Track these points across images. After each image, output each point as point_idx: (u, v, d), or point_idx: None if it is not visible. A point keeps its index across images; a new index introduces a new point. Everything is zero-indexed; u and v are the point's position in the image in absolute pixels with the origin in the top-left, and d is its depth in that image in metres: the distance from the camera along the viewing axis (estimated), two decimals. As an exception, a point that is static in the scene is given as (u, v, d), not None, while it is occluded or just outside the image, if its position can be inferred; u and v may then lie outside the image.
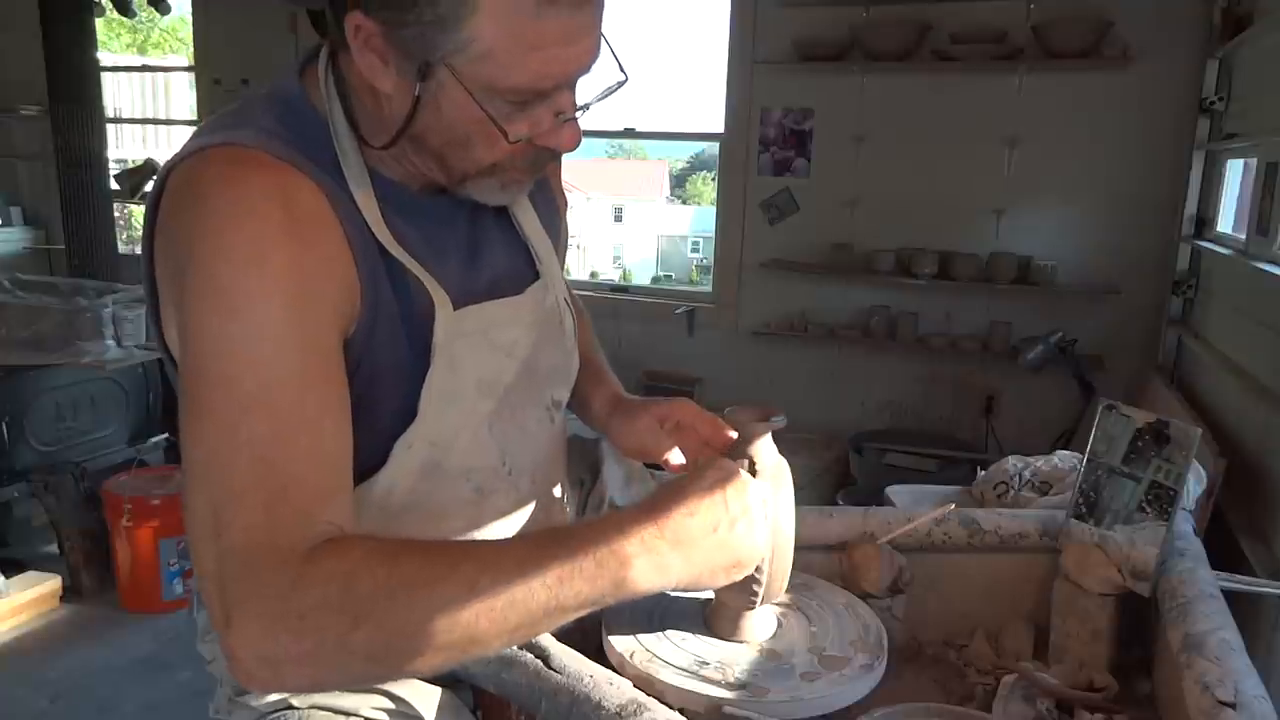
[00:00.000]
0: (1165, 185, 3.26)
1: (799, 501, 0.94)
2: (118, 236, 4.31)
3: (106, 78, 4.34)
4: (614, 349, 1.21)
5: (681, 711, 0.82)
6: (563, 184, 1.12)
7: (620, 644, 0.91)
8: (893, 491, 2.51)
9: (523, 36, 0.73)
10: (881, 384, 3.84)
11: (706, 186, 23.06)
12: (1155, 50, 3.20)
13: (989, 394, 3.65)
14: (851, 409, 3.87)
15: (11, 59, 4.96)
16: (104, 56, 5.23)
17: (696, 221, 21.56)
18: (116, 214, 4.47)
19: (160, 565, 2.84)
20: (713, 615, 0.95)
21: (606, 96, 0.85)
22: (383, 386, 0.84)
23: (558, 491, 1.07)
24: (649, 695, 0.81)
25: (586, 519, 0.76)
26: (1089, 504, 1.08)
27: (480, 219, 0.94)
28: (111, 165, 4.35)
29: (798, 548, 0.94)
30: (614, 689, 0.81)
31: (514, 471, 0.97)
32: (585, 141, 0.83)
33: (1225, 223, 3.04)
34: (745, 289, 4.03)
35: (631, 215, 23.03)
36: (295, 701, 0.87)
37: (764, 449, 0.93)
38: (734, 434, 0.94)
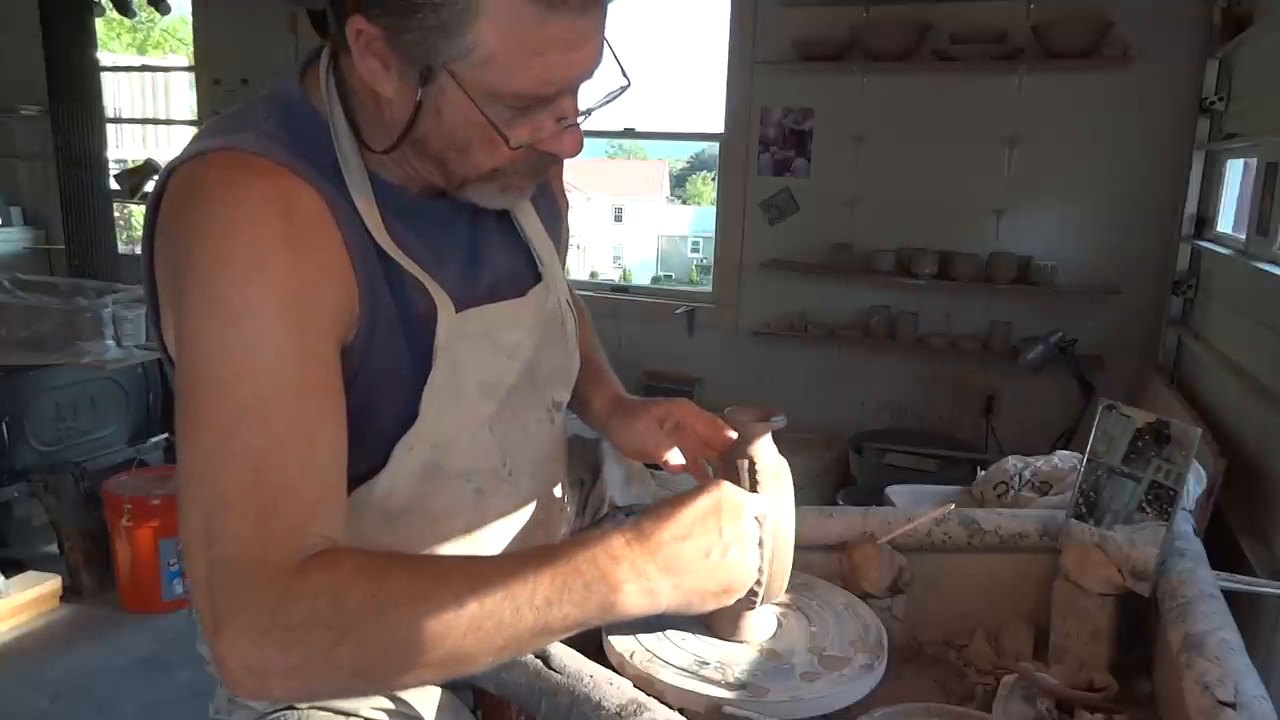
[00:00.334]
0: (1165, 185, 3.26)
1: (799, 501, 0.94)
2: (118, 236, 4.31)
3: (106, 78, 4.34)
4: (614, 349, 1.20)
5: (681, 711, 0.82)
6: (564, 185, 1.12)
7: (620, 644, 0.91)
8: (893, 491, 2.51)
9: (526, 42, 0.72)
10: (881, 384, 3.84)
11: (706, 186, 23.07)
12: (1155, 50, 3.20)
13: (989, 394, 3.65)
14: (851, 409, 3.87)
15: (11, 59, 4.96)
16: (104, 56, 5.24)
17: (696, 221, 21.57)
18: (116, 214, 4.47)
19: (160, 565, 2.84)
20: (713, 615, 0.95)
21: (609, 102, 0.84)
22: (383, 390, 0.84)
23: (558, 491, 1.07)
24: (649, 695, 0.81)
25: (578, 537, 0.75)
26: (1089, 504, 1.08)
27: (481, 222, 0.94)
28: (111, 165, 4.35)
29: (798, 548, 0.94)
30: (614, 689, 0.81)
31: (514, 472, 0.97)
32: (586, 141, 0.83)
33: (1225, 223, 3.04)
34: (745, 289, 4.03)
35: (631, 215, 23.03)
36: (296, 702, 0.86)
37: (764, 449, 0.93)
38: (734, 434, 0.94)
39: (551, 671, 0.83)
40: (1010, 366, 3.47)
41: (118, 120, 6.89)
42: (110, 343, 3.16)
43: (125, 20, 5.30)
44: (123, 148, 6.85)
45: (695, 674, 0.88)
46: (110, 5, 4.33)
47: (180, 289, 0.74)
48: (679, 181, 25.61)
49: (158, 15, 4.71)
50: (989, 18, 3.41)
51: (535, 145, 0.80)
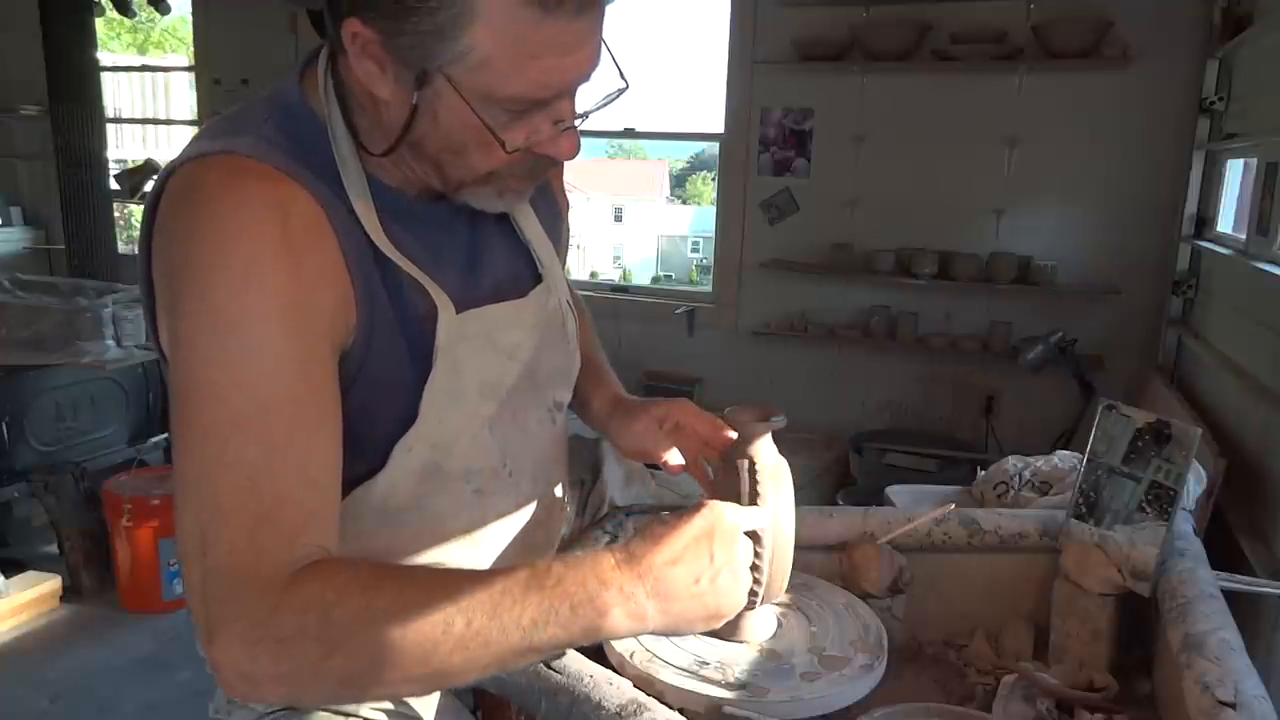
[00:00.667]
0: (1165, 185, 3.26)
1: (799, 501, 0.94)
2: (118, 236, 4.31)
3: (106, 78, 4.34)
4: (614, 349, 1.21)
5: (681, 711, 0.82)
6: (564, 185, 1.12)
7: (620, 644, 0.91)
8: (893, 491, 2.51)
9: (522, 46, 0.72)
10: (881, 384, 3.84)
11: (706, 186, 23.06)
12: (1155, 50, 3.20)
13: (989, 394, 3.65)
14: (851, 409, 3.87)
15: (11, 59, 4.96)
16: (104, 56, 5.23)
17: (696, 221, 21.56)
18: (116, 214, 4.47)
19: (160, 565, 2.84)
20: (713, 615, 0.95)
21: (607, 104, 0.84)
22: (382, 393, 0.84)
23: (559, 492, 1.07)
24: (649, 695, 0.81)
25: (569, 558, 0.75)
26: (1089, 504, 1.08)
27: (480, 224, 0.94)
28: (111, 165, 4.35)
29: (798, 548, 0.94)
30: (614, 689, 0.81)
31: (515, 473, 0.97)
32: (585, 141, 0.83)
33: (1225, 223, 3.04)
34: (745, 289, 4.03)
35: (631, 215, 23.02)
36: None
37: (764, 449, 0.93)
38: (734, 434, 0.94)
39: (551, 671, 0.83)
40: (1010, 366, 3.47)
41: (118, 120, 6.89)
42: (110, 343, 3.16)
43: (125, 20, 5.30)
44: (123, 148, 6.85)
45: (695, 674, 0.88)
46: (110, 5, 4.33)
47: (176, 290, 0.74)
48: (679, 181, 25.60)
49: (158, 15, 4.71)
50: (989, 18, 3.41)
51: (532, 148, 0.80)
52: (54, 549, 3.04)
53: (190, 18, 5.10)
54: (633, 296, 4.41)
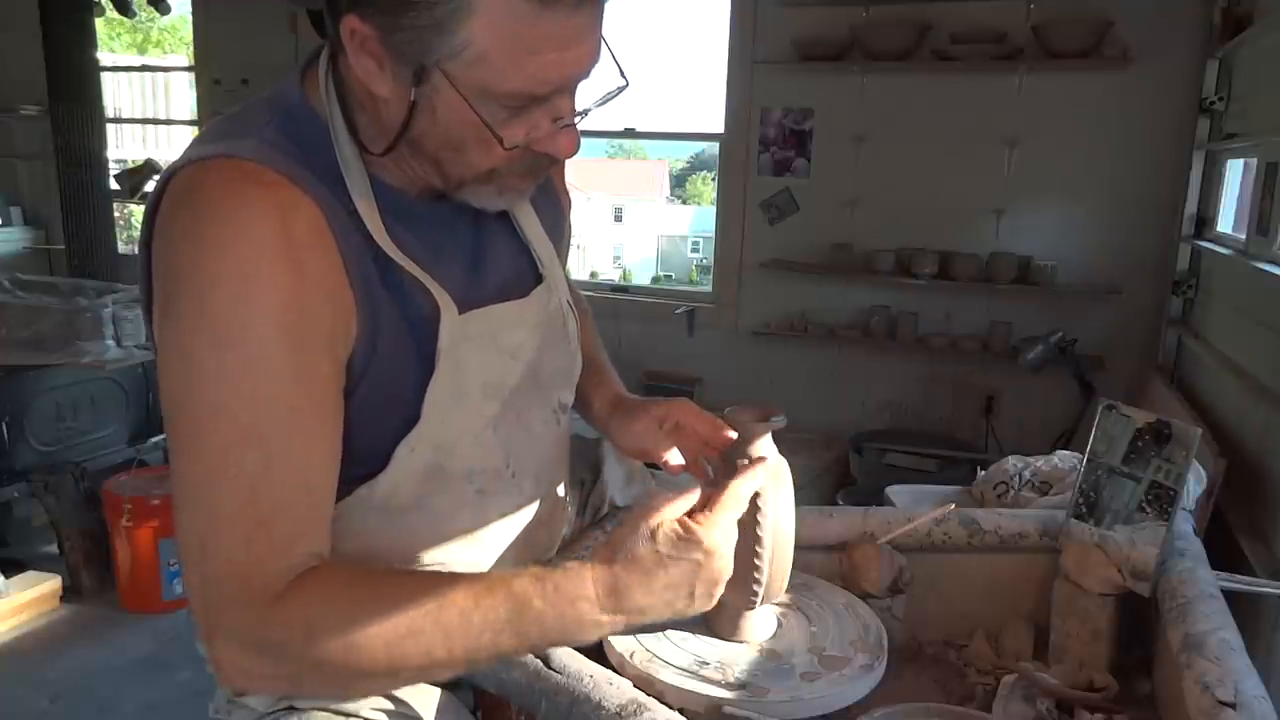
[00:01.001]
0: (1165, 185, 3.26)
1: (799, 501, 0.94)
2: (118, 236, 4.31)
3: (106, 78, 4.34)
4: (614, 349, 1.21)
5: (681, 711, 0.82)
6: (566, 183, 1.11)
7: (620, 644, 0.91)
8: (893, 491, 2.51)
9: (520, 41, 0.72)
10: (881, 384, 3.84)
11: (706, 186, 23.05)
12: (1155, 50, 3.20)
13: (989, 394, 3.65)
14: (851, 409, 3.87)
15: (11, 59, 4.96)
16: (104, 56, 5.24)
17: (696, 221, 21.56)
18: (116, 214, 4.47)
19: (160, 565, 2.84)
20: (713, 615, 0.95)
21: (607, 102, 0.84)
22: (387, 393, 0.84)
23: (561, 492, 1.07)
24: (649, 695, 0.81)
25: (554, 577, 0.76)
26: (1089, 504, 1.08)
27: (483, 224, 0.94)
28: (111, 165, 4.35)
29: (798, 548, 0.94)
30: (614, 689, 0.81)
31: (517, 474, 0.96)
32: (585, 141, 0.82)
33: (1225, 223, 3.04)
34: (745, 289, 4.03)
35: (631, 215, 23.02)
36: (296, 703, 0.87)
37: (764, 449, 0.93)
38: (734, 434, 0.94)
39: (551, 671, 0.83)
40: (1010, 366, 3.47)
41: (118, 120, 6.89)
42: (110, 343, 3.16)
43: (125, 20, 5.30)
44: (123, 148, 6.85)
45: (695, 674, 0.88)
46: (110, 5, 4.33)
47: (174, 293, 0.74)
48: (679, 181, 25.60)
49: (158, 15, 4.70)
50: (989, 18, 3.41)
51: (531, 145, 0.80)
52: (54, 549, 3.04)
53: (190, 18, 5.10)
54: (633, 296, 4.41)
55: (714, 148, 4.18)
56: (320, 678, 0.75)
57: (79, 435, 3.19)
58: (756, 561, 0.89)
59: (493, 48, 0.72)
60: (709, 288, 4.27)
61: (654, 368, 4.21)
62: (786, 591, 0.97)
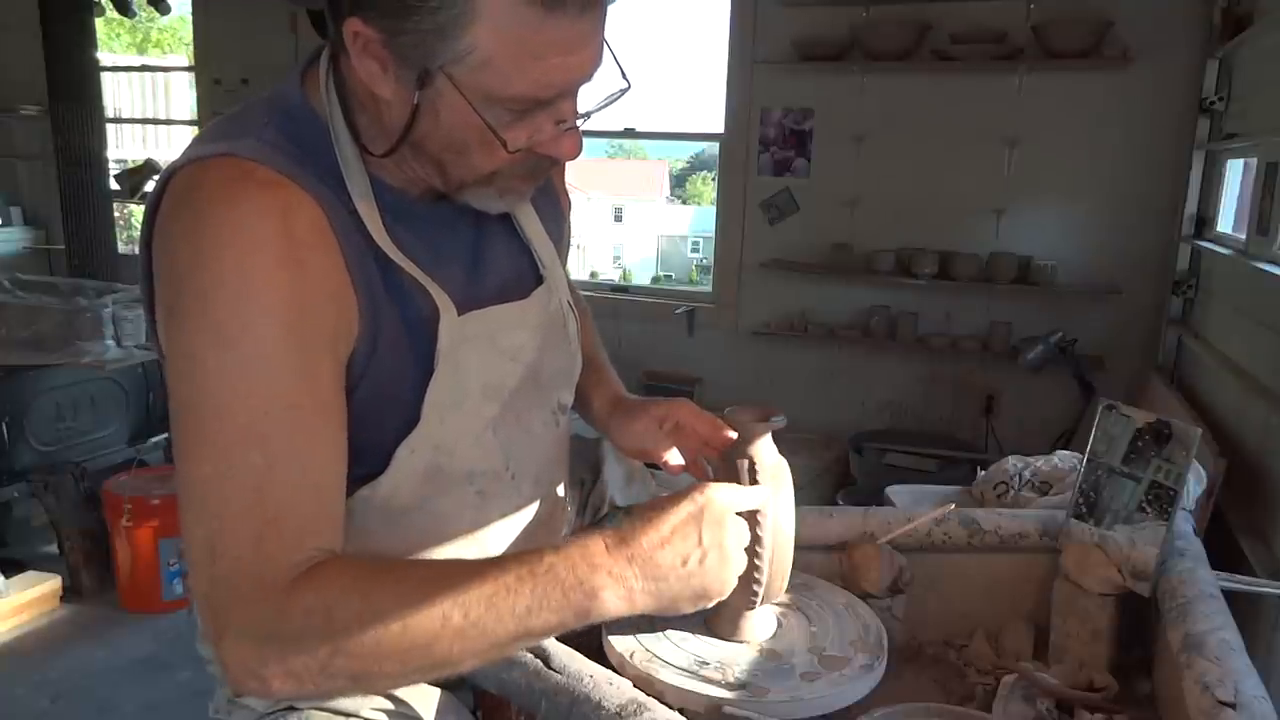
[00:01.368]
0: (1165, 185, 3.26)
1: (799, 501, 0.94)
2: (118, 236, 4.31)
3: (106, 78, 4.34)
4: (614, 349, 1.21)
5: (681, 711, 0.82)
6: (566, 184, 1.11)
7: (620, 644, 0.91)
8: (893, 491, 2.51)
9: (524, 46, 0.72)
10: (881, 384, 3.84)
11: (706, 186, 23.05)
12: (1155, 50, 3.20)
13: (989, 394, 3.65)
14: (851, 409, 3.87)
15: (11, 59, 4.96)
16: (104, 56, 5.24)
17: (696, 221, 21.56)
18: (116, 214, 4.47)
19: (160, 565, 2.84)
20: (713, 615, 0.95)
21: (609, 104, 0.84)
22: (386, 394, 0.84)
23: (561, 492, 1.07)
24: (649, 695, 0.81)
25: (561, 542, 0.76)
26: (1089, 504, 1.08)
27: (483, 224, 0.94)
28: (111, 165, 4.35)
29: (798, 548, 0.94)
30: (614, 689, 0.81)
31: (517, 475, 0.96)
32: (586, 141, 0.82)
33: (1225, 223, 3.04)
34: (745, 289, 4.03)
35: (631, 215, 23.03)
36: (296, 703, 0.87)
37: (764, 449, 0.93)
38: (734, 434, 0.94)
39: (551, 671, 0.83)
40: (1010, 366, 3.47)
41: (118, 120, 6.89)
42: (110, 343, 3.16)
43: (125, 20, 5.30)
44: (123, 148, 6.85)
45: (695, 674, 0.88)
46: (110, 5, 4.33)
47: (175, 293, 0.74)
48: (679, 181, 25.60)
49: (158, 15, 4.70)
50: (989, 18, 3.41)
51: (534, 148, 0.80)
52: (54, 549, 3.04)
53: (190, 18, 5.10)
54: (633, 296, 4.41)
55: (714, 148, 4.18)
56: (342, 662, 0.71)
57: (79, 435, 3.19)
58: (756, 561, 0.89)
59: (497, 53, 0.72)
60: (709, 288, 4.27)
61: (654, 368, 4.21)
62: (786, 591, 0.96)
